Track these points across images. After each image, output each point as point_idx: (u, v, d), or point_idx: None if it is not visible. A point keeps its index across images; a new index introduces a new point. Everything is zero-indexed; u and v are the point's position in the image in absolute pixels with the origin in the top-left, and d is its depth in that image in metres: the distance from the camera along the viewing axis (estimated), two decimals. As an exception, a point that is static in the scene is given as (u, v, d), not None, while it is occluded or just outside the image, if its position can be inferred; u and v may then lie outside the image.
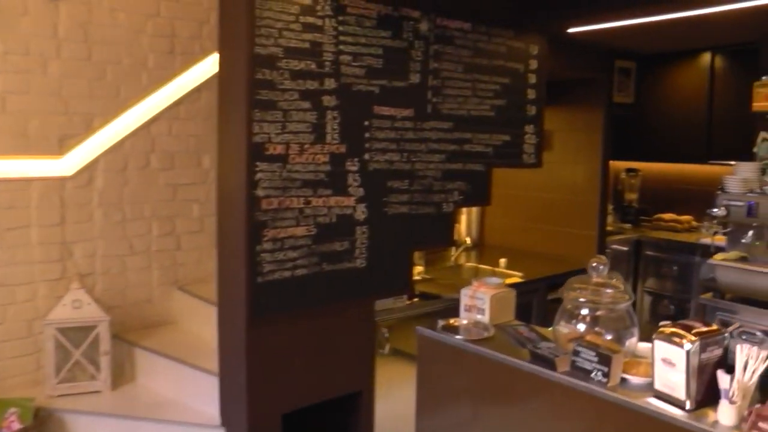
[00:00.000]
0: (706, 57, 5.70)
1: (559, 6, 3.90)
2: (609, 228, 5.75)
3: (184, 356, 3.57)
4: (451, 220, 3.72)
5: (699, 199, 6.09)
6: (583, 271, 4.73)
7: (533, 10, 3.94)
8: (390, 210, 3.40)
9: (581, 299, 2.30)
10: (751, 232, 3.87)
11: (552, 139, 5.05)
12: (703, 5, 3.50)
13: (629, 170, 6.37)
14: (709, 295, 3.99)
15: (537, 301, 4.43)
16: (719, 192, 3.94)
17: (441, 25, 3.56)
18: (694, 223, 6.06)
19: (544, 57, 4.12)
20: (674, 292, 5.67)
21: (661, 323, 2.07)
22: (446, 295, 3.76)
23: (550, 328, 2.52)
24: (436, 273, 4.34)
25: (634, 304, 2.29)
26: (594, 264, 2.33)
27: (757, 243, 3.89)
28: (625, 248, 5.85)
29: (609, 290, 2.29)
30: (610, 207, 6.15)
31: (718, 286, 3.90)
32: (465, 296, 2.76)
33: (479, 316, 2.71)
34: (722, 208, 3.88)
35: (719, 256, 3.97)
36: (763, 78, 4.13)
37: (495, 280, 2.80)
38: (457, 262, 4.75)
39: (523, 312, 4.36)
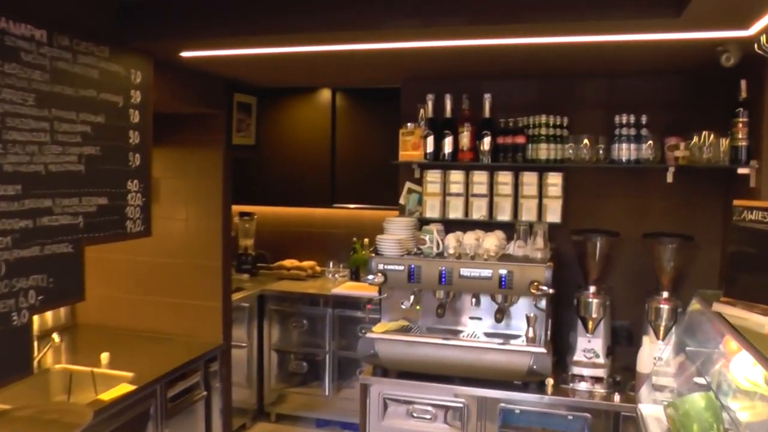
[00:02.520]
0: (327, 94, 5.28)
1: (168, 20, 2.88)
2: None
3: None
4: (28, 336, 2.42)
5: (321, 241, 5.69)
6: (209, 354, 3.87)
7: (136, 23, 2.88)
8: None
9: None
10: (412, 298, 3.36)
11: (159, 189, 3.99)
12: (328, 42, 2.85)
13: (243, 214, 5.64)
14: (369, 372, 3.39)
15: (155, 407, 3.36)
16: (373, 255, 3.34)
17: (-4, 29, 2.29)
18: (318, 269, 5.59)
19: (150, 87, 3.06)
20: (304, 346, 5.10)
21: None
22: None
23: None
24: (12, 395, 2.94)
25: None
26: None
27: (418, 308, 3.41)
28: (246, 304, 5.08)
29: None
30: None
31: (380, 362, 3.32)
32: None
33: None
34: (378, 275, 3.27)
35: (379, 327, 3.40)
36: (409, 125, 3.64)
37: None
38: (43, 366, 3.39)
39: (139, 426, 3.27)
